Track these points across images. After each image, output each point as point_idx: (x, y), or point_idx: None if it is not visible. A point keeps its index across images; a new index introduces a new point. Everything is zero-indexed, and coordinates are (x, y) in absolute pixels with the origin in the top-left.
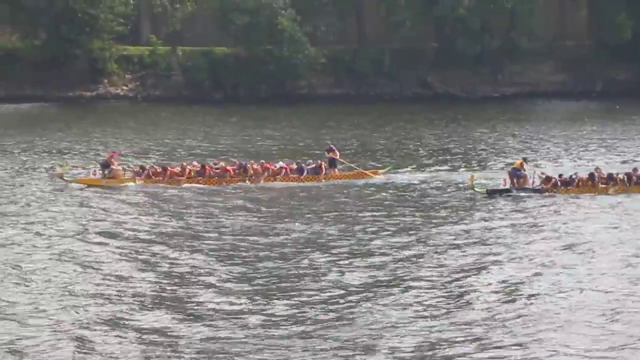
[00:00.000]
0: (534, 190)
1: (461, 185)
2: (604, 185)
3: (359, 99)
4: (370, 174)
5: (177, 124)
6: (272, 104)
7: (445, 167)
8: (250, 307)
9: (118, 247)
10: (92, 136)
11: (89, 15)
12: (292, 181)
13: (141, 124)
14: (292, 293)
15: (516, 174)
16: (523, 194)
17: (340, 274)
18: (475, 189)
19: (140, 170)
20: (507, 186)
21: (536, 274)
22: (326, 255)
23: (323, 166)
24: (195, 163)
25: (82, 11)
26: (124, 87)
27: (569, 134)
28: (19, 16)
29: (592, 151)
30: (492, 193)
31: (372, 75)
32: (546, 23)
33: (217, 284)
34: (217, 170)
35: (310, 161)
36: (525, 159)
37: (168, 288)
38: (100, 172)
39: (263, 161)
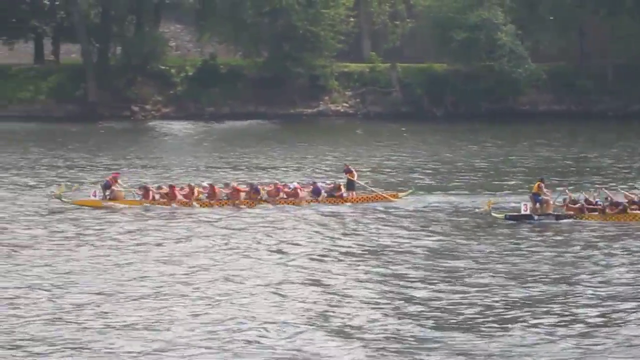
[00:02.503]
0: (558, 217)
1: (477, 210)
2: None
3: (581, 116)
4: (390, 197)
5: (391, 141)
6: (492, 121)
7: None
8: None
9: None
10: (307, 152)
11: (311, 32)
12: (307, 203)
13: (356, 140)
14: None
15: (537, 199)
16: (546, 220)
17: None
18: (493, 213)
19: (145, 192)
20: (528, 212)
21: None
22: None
23: (341, 188)
24: (205, 184)
25: (303, 29)
26: (344, 104)
27: None
28: (242, 34)
29: None
30: (511, 219)
31: (594, 92)
32: None
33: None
34: (227, 192)
35: (329, 182)
36: (542, 180)
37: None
38: (101, 193)
39: (277, 182)
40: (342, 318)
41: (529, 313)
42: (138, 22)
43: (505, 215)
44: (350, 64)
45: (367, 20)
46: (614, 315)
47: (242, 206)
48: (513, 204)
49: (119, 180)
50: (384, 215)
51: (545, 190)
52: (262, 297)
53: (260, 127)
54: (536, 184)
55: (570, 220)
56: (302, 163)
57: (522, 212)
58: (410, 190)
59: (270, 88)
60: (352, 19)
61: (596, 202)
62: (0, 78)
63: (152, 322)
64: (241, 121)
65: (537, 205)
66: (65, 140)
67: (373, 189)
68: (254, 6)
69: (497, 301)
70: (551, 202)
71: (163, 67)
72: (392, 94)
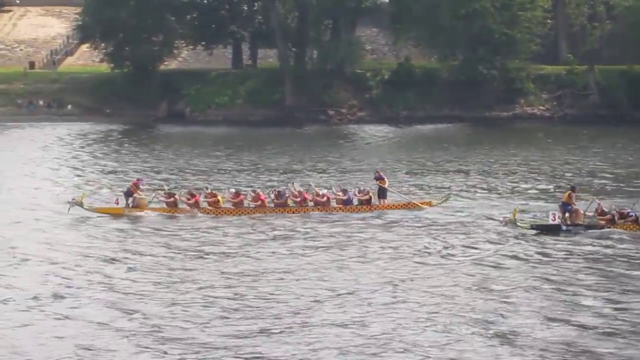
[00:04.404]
0: (588, 227)
1: (501, 219)
2: None
3: None
4: (423, 205)
5: (578, 145)
6: None
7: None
8: None
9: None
10: (498, 156)
11: (507, 35)
12: (335, 211)
13: (545, 144)
14: None
15: (566, 208)
16: (574, 230)
17: None
18: (518, 224)
19: (170, 199)
20: (557, 222)
21: None
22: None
23: (370, 194)
24: (232, 190)
25: (499, 32)
26: (540, 107)
27: None
28: (437, 38)
29: None
30: (537, 229)
31: None
32: None
33: None
34: (251, 199)
35: (359, 189)
36: (573, 189)
37: None
38: (124, 201)
39: (302, 189)
40: (498, 324)
41: None
42: (334, 26)
43: (532, 225)
44: (546, 66)
45: (564, 22)
46: None
47: (270, 213)
48: (539, 213)
49: (140, 187)
50: (418, 223)
51: (575, 199)
52: (416, 303)
53: (454, 131)
54: (567, 193)
55: (602, 230)
56: (491, 166)
57: (550, 222)
58: (445, 198)
59: (465, 91)
60: (549, 21)
61: (628, 212)
62: (200, 83)
63: (304, 328)
64: (436, 125)
65: (567, 215)
66: (258, 143)
67: (406, 196)
68: (450, 9)
69: None
70: (581, 211)
71: (359, 71)
72: (589, 97)
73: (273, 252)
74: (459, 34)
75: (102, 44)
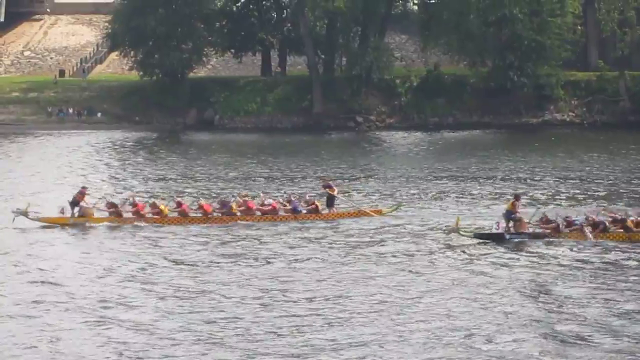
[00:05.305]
0: (532, 235)
1: (445, 227)
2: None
3: None
4: (372, 213)
5: (602, 152)
6: None
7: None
8: None
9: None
10: (523, 162)
11: (536, 42)
12: (280, 220)
13: (568, 150)
14: None
15: (509, 216)
16: (518, 239)
17: None
18: (461, 232)
19: (113, 208)
20: (500, 230)
21: None
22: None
23: (316, 204)
24: (177, 199)
25: (529, 38)
26: (570, 113)
27: None
28: (466, 44)
29: None
30: (480, 238)
31: None
32: None
33: None
34: (195, 209)
35: (305, 197)
36: (517, 197)
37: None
38: (69, 210)
39: (247, 198)
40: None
41: None
42: (363, 34)
43: (475, 233)
44: (576, 72)
45: (594, 28)
46: None
47: (215, 223)
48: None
49: (86, 197)
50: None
51: (520, 208)
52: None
53: (480, 138)
54: (511, 202)
55: (546, 239)
56: (516, 174)
57: (494, 231)
58: (396, 206)
59: (495, 98)
60: (579, 27)
61: (573, 221)
62: (229, 90)
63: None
64: (465, 131)
65: (511, 223)
66: (281, 151)
67: (355, 204)
68: (480, 16)
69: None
70: (525, 220)
71: (388, 78)
72: (620, 103)
73: (226, 262)
74: (489, 41)
75: (132, 52)
